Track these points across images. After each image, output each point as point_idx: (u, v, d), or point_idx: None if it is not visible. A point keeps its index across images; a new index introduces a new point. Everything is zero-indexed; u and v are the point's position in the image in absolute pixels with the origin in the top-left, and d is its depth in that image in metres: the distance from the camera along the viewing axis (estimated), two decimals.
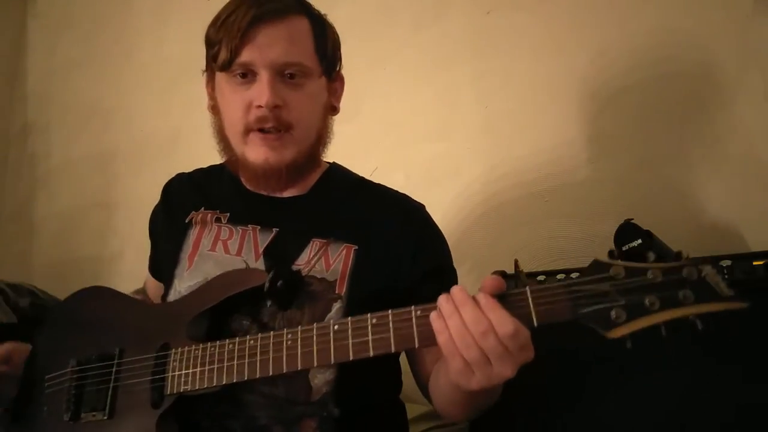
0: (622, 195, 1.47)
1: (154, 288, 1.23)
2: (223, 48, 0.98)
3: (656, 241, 1.23)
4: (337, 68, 1.10)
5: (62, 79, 2.75)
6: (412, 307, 0.77)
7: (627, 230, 1.26)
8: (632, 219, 1.27)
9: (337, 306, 0.97)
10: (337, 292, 0.98)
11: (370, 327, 0.78)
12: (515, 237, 1.59)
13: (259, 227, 1.05)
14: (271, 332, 0.85)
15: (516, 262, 1.21)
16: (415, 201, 1.12)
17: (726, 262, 1.06)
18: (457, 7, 1.80)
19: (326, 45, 1.04)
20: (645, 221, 1.26)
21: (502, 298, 0.71)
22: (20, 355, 1.08)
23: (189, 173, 1.23)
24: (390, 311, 0.78)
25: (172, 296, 1.06)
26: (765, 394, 0.98)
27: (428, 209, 1.15)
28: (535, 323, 0.70)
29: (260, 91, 0.97)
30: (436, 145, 1.77)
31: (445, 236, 1.15)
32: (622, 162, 1.49)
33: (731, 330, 1.03)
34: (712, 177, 1.39)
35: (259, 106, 0.97)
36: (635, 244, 1.22)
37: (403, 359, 1.14)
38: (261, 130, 0.99)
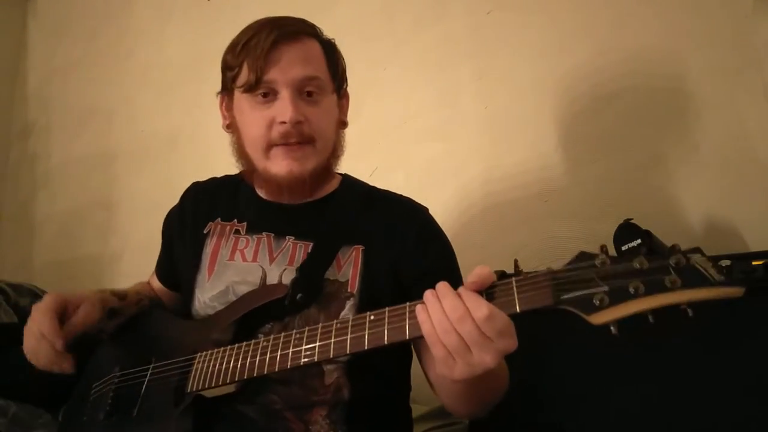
0: (622, 195, 1.47)
1: (161, 293, 1.28)
2: (246, 70, 1.04)
3: (655, 241, 1.23)
4: (345, 86, 1.17)
5: (63, 80, 2.75)
6: (407, 303, 0.80)
7: (627, 230, 1.26)
8: (632, 219, 1.27)
9: (350, 303, 1.02)
10: (349, 290, 1.03)
11: (367, 323, 0.83)
12: (515, 237, 1.59)
13: (273, 234, 1.10)
14: (282, 332, 0.91)
15: (516, 262, 1.21)
16: (418, 203, 1.16)
17: (725, 262, 1.05)
18: (457, 7, 1.80)
19: (336, 65, 1.12)
20: (645, 221, 1.26)
21: (489, 289, 0.75)
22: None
23: (204, 182, 1.26)
24: (387, 308, 0.82)
25: (196, 305, 1.11)
26: (766, 394, 0.98)
27: (428, 209, 1.16)
28: (518, 309, 0.71)
29: (283, 108, 1.02)
30: (436, 145, 1.77)
31: (446, 235, 1.15)
32: (621, 162, 1.50)
33: (732, 330, 1.03)
34: (712, 177, 1.39)
35: (283, 122, 1.02)
36: (635, 243, 1.23)
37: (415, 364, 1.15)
38: (284, 144, 1.04)
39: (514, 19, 1.70)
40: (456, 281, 1.06)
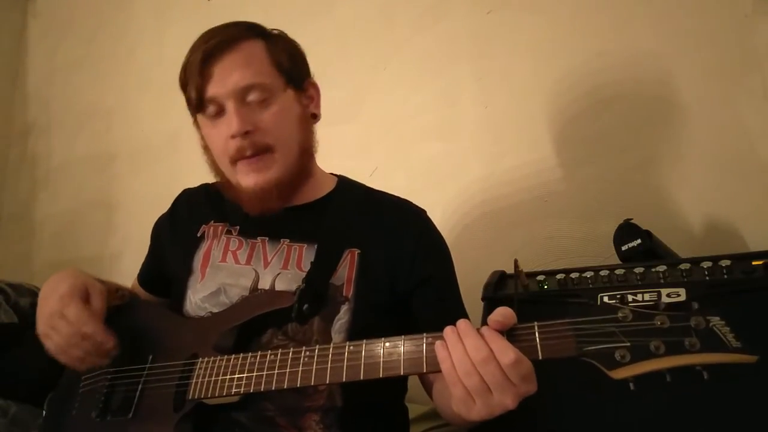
0: (622, 195, 1.47)
1: (141, 295, 1.26)
2: (190, 90, 1.04)
3: (656, 241, 1.23)
4: (307, 77, 1.12)
5: (63, 80, 2.75)
6: (424, 334, 0.79)
7: (626, 230, 1.26)
8: (632, 219, 1.27)
9: (345, 308, 1.01)
10: (344, 294, 1.02)
11: (382, 350, 0.81)
12: (515, 237, 1.59)
13: (267, 238, 1.09)
14: (291, 348, 0.89)
15: (516, 262, 1.21)
16: (416, 205, 1.15)
17: (725, 262, 1.06)
18: (457, 7, 1.80)
19: (283, 58, 1.06)
20: (645, 221, 1.26)
21: (510, 331, 0.74)
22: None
23: (196, 188, 1.25)
24: (403, 336, 0.81)
25: (188, 306, 1.09)
26: (765, 396, 0.97)
27: (428, 209, 1.16)
28: (540, 356, 0.72)
29: (229, 122, 1.00)
30: (436, 145, 1.77)
31: (445, 236, 1.16)
32: (621, 162, 1.49)
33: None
34: (712, 177, 1.39)
35: (234, 136, 1.00)
36: (634, 243, 1.22)
37: None
38: (244, 158, 1.03)
39: (514, 19, 1.70)
40: (453, 287, 1.10)
